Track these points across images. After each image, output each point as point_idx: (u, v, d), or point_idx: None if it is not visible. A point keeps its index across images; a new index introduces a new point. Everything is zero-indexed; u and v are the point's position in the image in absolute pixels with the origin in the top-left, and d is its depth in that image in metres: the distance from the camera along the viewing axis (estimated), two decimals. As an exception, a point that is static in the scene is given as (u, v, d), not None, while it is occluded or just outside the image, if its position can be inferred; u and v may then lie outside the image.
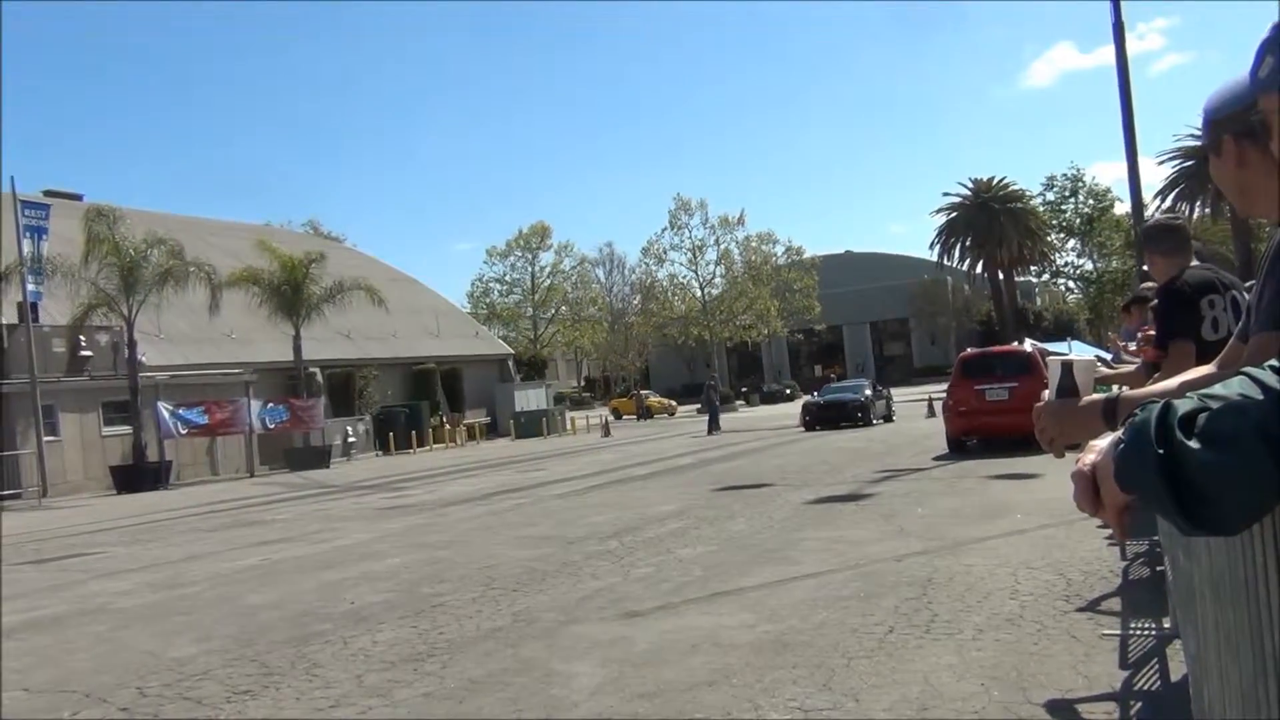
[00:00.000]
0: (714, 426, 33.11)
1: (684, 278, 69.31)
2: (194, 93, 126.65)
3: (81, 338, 29.15)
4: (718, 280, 68.88)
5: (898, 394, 51.83)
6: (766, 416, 42.93)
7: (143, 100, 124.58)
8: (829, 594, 6.99)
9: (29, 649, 7.34)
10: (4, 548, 15.02)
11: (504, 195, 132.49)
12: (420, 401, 39.81)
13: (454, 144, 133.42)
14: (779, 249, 71.39)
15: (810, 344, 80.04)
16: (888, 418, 31.04)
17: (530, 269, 76.75)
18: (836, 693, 4.79)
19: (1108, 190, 70.07)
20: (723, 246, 68.64)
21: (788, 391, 65.01)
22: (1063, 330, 53.57)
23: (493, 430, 43.33)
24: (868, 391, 30.82)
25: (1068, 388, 2.05)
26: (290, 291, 32.29)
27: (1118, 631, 5.52)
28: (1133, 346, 5.69)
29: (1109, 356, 6.75)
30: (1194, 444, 1.06)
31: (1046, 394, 2.09)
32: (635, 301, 73.01)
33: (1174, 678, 4.55)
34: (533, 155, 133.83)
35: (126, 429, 28.10)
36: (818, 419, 29.44)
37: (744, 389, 66.39)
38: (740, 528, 10.67)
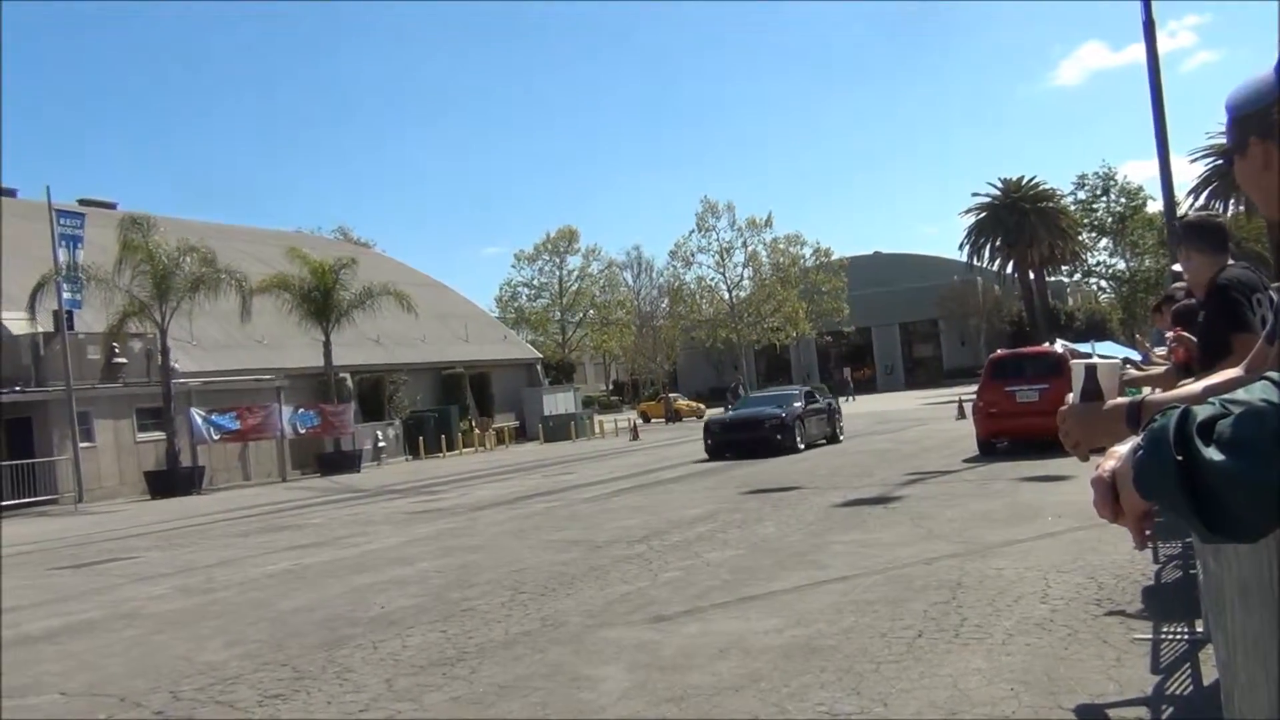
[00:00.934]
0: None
1: (711, 280, 69.22)
2: (224, 101, 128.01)
3: (116, 345, 29.49)
4: (745, 282, 68.75)
5: (927, 395, 51.78)
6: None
7: (175, 109, 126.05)
8: (857, 598, 6.96)
9: (66, 653, 7.44)
10: (42, 553, 15.25)
11: (531, 200, 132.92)
12: (449, 406, 40.02)
13: (481, 149, 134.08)
14: (807, 251, 71.18)
15: (839, 346, 79.71)
16: (831, 438, 24.17)
17: (558, 273, 77.01)
18: (865, 697, 4.78)
19: (1140, 189, 69.31)
20: (750, 249, 68.52)
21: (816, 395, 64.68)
22: (1095, 330, 53.02)
23: (521, 434, 43.45)
24: (797, 404, 23.36)
25: (1091, 391, 2.03)
26: (320, 297, 32.55)
27: (1149, 636, 5.46)
28: (1160, 351, 5.63)
29: (1139, 358, 6.69)
30: (1212, 450, 1.05)
31: (1070, 397, 2.08)
32: (663, 304, 72.99)
33: (1206, 682, 4.50)
34: (560, 159, 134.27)
35: (160, 435, 28.42)
36: (724, 444, 22.46)
37: (772, 391, 66.13)
38: (768, 531, 10.65)
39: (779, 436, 21.76)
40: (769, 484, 15.71)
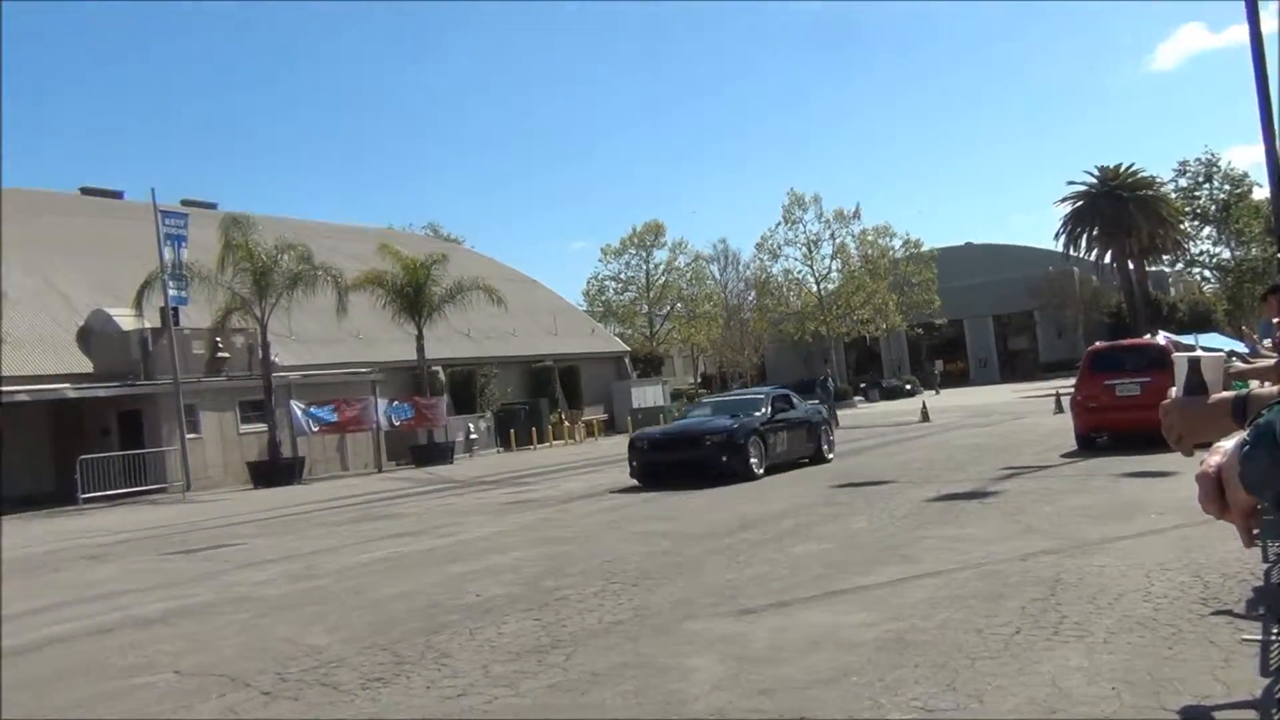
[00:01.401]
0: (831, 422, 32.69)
1: (799, 273, 68.78)
2: (318, 101, 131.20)
3: (219, 340, 30.57)
4: (834, 275, 68.15)
5: (1023, 389, 50.53)
6: (885, 412, 42.29)
7: (269, 109, 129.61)
8: (952, 593, 6.89)
9: (179, 634, 7.77)
10: (154, 539, 15.89)
11: (617, 194, 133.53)
12: (539, 399, 40.51)
13: (568, 144, 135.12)
14: (896, 242, 70.25)
15: (931, 338, 78.51)
16: (815, 455, 19.11)
17: (645, 266, 77.21)
18: (961, 693, 4.73)
19: (1244, 175, 66.79)
20: (838, 240, 67.89)
21: (908, 387, 64.01)
22: (1199, 322, 51.27)
23: (611, 427, 43.74)
24: (759, 412, 18.20)
25: (1195, 385, 2.01)
26: (413, 293, 33.20)
27: (1258, 637, 5.29)
28: (1268, 342, 5.46)
29: (1246, 350, 6.49)
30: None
31: (1174, 391, 2.06)
32: (750, 297, 72.75)
33: (1320, 685, 4.36)
34: (645, 153, 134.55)
35: (262, 426, 29.36)
36: (654, 467, 17.44)
37: (862, 384, 65.52)
38: (859, 525, 10.57)
39: (724, 458, 16.82)
40: (860, 478, 15.58)
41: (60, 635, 8.23)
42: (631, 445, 18.31)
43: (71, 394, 27.45)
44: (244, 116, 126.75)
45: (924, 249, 71.13)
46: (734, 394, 24.17)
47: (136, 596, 9.92)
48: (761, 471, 17.18)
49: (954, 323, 76.82)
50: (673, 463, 17.29)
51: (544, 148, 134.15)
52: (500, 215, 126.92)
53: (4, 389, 25.60)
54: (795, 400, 20.23)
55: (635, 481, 17.65)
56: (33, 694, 6.26)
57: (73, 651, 7.54)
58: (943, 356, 77.09)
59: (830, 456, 19.50)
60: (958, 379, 73.73)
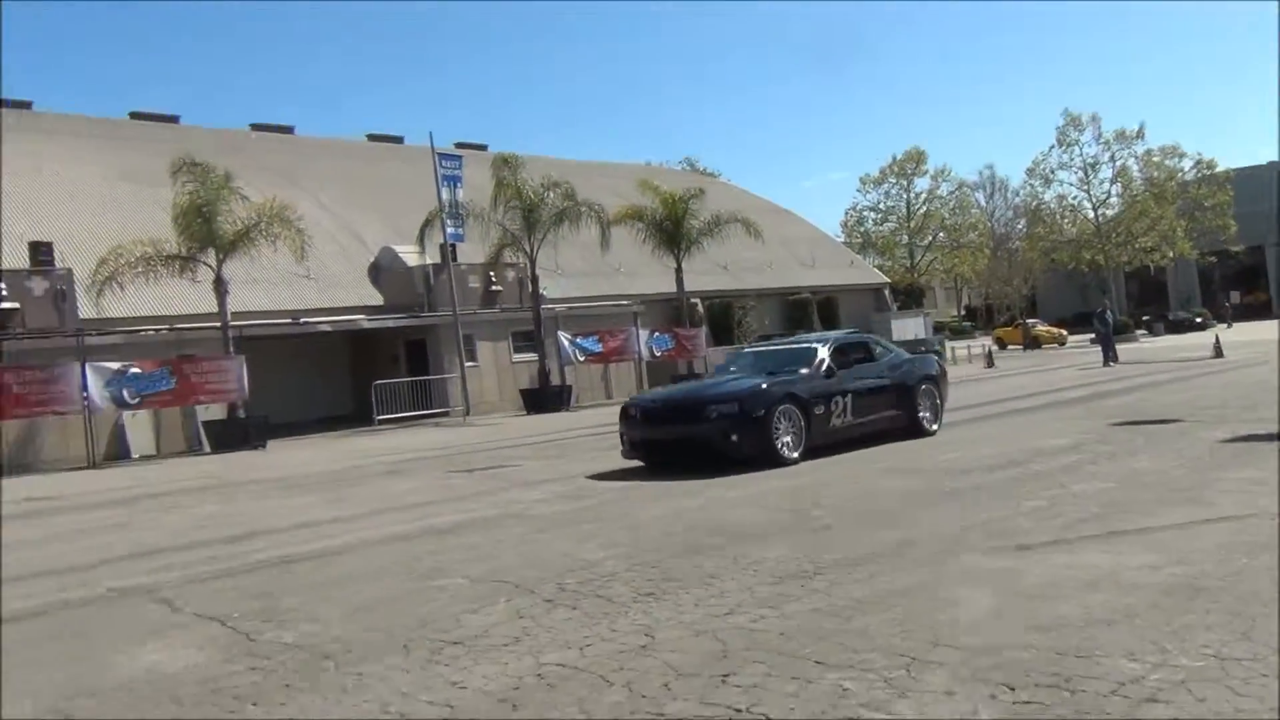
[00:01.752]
0: (1110, 358, 30.76)
1: (1074, 198, 64.52)
2: (581, 46, 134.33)
3: (493, 274, 32.39)
4: (1113, 200, 63.54)
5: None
6: (1171, 347, 39.22)
7: (536, 55, 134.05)
8: (1250, 539, 6.39)
9: (467, 545, 8.44)
10: (441, 458, 17.20)
11: (877, 122, 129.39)
12: (797, 330, 40.31)
13: (824, 73, 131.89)
14: (1186, 163, 64.45)
15: (1225, 268, 71.78)
16: (911, 426, 14.07)
17: (905, 196, 74.94)
18: (1258, 643, 4.42)
19: None
20: (1119, 163, 63.07)
21: (1198, 320, 58.97)
22: None
23: (869, 359, 43.03)
24: (808, 369, 13.32)
25: None
26: (671, 226, 33.74)
27: None
28: None
29: None
30: None
31: None
32: (1019, 225, 69.09)
33: None
34: (905, 78, 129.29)
35: (532, 356, 30.98)
36: (646, 445, 13.09)
37: (1145, 317, 60.95)
38: (1143, 465, 9.95)
39: (733, 437, 12.19)
40: (1142, 415, 14.60)
41: (369, 540, 9.15)
42: (624, 414, 13.67)
43: (365, 324, 29.99)
44: (511, 63, 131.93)
45: (1218, 170, 64.90)
46: (785, 341, 17.79)
47: (430, 509, 10.85)
48: (796, 455, 12.34)
49: (1253, 250, 69.87)
50: (664, 441, 12.91)
51: (803, 77, 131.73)
52: (757, 148, 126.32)
53: (310, 319, 28.29)
54: (878, 349, 15.03)
55: (635, 463, 13.31)
56: (346, 591, 7.00)
57: (380, 554, 8.37)
58: (1239, 288, 70.36)
59: (934, 428, 14.42)
60: (1258, 312, 67.15)
